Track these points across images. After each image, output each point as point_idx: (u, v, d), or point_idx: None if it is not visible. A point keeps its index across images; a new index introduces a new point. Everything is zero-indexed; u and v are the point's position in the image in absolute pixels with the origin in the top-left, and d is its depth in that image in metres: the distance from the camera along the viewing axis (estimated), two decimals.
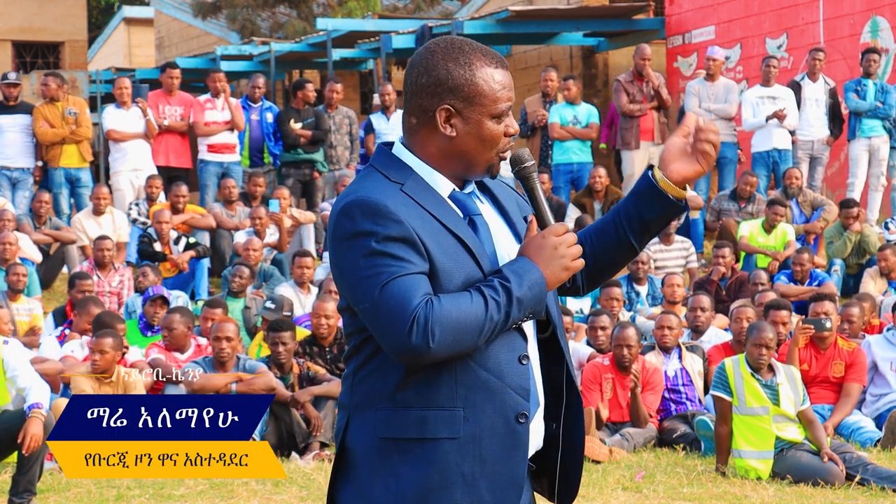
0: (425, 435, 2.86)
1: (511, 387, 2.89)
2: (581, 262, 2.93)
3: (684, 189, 3.09)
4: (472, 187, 3.04)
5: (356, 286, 2.86)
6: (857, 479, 8.12)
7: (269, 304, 11.12)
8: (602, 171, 14.27)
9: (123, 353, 9.26)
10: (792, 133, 14.41)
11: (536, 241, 2.92)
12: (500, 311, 2.83)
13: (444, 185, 2.98)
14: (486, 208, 3.04)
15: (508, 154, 3.00)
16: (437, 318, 2.79)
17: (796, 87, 14.59)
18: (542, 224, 2.99)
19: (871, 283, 12.25)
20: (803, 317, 10.22)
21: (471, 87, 2.95)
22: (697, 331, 10.78)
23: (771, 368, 8.45)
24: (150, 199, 13.83)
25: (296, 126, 14.78)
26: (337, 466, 2.97)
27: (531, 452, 2.97)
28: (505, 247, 3.01)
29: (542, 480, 3.06)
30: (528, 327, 2.97)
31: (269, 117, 15.06)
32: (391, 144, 3.03)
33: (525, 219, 3.08)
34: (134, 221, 13.68)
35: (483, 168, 2.99)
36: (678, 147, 3.10)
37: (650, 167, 3.14)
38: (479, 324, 2.81)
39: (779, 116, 14.13)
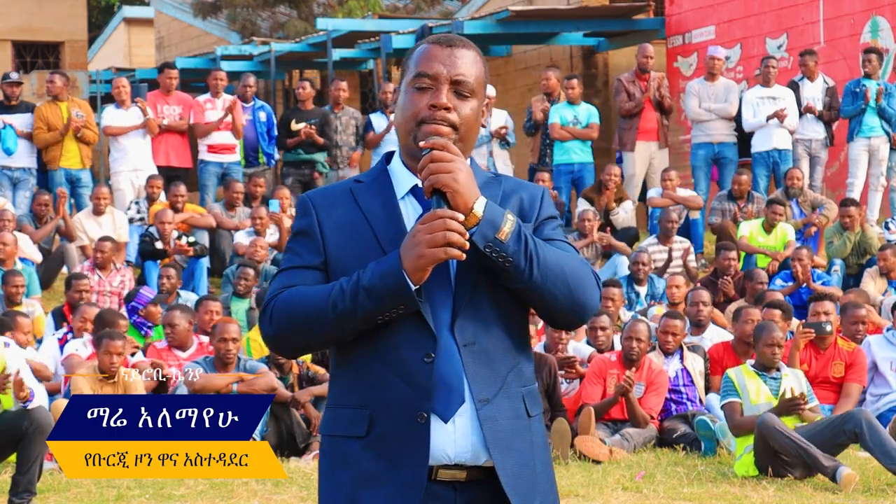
0: (340, 433, 2.93)
1: (413, 386, 2.87)
2: (441, 251, 2.78)
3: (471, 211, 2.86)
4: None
5: None
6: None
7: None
8: (616, 169, 14.22)
9: (134, 353, 9.28)
10: (792, 133, 14.40)
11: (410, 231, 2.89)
12: (345, 300, 2.84)
13: (407, 182, 3.00)
14: None
15: (429, 127, 2.92)
16: (279, 306, 2.90)
17: (795, 88, 14.58)
18: None
19: (872, 283, 12.25)
20: (804, 321, 10.23)
21: (405, 64, 3.04)
22: (699, 325, 10.78)
23: (777, 368, 8.65)
24: (151, 200, 13.84)
25: (298, 126, 14.77)
26: None
27: (463, 457, 2.89)
28: None
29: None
30: (460, 329, 2.88)
31: (263, 116, 15.05)
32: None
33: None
34: (132, 220, 13.69)
35: (410, 140, 2.97)
36: None
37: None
38: (318, 312, 2.86)
39: (779, 116, 14.12)
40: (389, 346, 2.89)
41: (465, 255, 2.82)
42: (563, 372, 9.84)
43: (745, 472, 8.39)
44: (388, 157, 3.07)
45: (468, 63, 2.98)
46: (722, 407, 8.80)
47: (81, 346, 9.82)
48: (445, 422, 2.87)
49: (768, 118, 14.17)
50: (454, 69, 2.96)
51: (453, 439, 2.88)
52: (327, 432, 2.96)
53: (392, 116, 15.10)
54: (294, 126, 14.81)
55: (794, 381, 8.67)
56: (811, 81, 14.57)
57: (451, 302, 2.90)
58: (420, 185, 2.93)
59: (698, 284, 11.79)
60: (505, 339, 2.96)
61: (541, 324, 10.51)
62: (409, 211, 2.98)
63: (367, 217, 2.95)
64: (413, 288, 2.82)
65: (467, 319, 2.91)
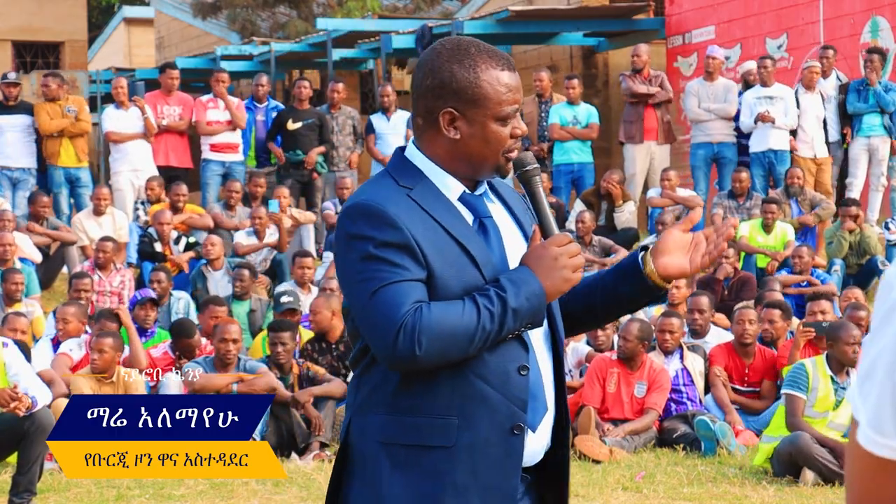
0: (419, 442, 2.85)
1: (508, 398, 2.86)
2: (580, 275, 2.92)
3: (668, 282, 3.11)
4: (483, 188, 3.02)
5: (351, 289, 2.88)
6: None
7: (284, 299, 11.07)
8: (617, 175, 14.17)
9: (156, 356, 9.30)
10: (793, 133, 14.36)
11: (538, 251, 2.89)
12: (493, 322, 2.80)
13: (454, 188, 2.96)
14: (496, 209, 3.03)
15: (515, 154, 2.98)
16: (425, 326, 2.77)
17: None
18: (546, 232, 2.96)
19: None
20: (804, 320, 10.22)
21: (475, 90, 2.93)
22: (696, 333, 10.73)
23: (848, 373, 8.52)
24: (150, 201, 13.85)
25: (294, 126, 14.77)
26: (340, 467, 2.96)
27: (535, 460, 2.95)
28: (515, 249, 2.99)
29: (544, 493, 3.03)
30: (536, 337, 2.95)
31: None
32: (405, 148, 3.03)
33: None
34: (137, 219, 13.72)
35: (490, 169, 2.97)
36: (677, 242, 3.17)
37: (643, 248, 3.14)
38: (469, 333, 2.79)
39: (764, 119, 14.07)
40: (483, 357, 2.86)
41: None
42: None
43: (761, 463, 8.41)
44: (403, 156, 3.01)
45: None
46: (784, 395, 8.55)
47: (76, 347, 9.80)
48: (534, 431, 2.91)
49: (755, 120, 14.14)
50: (519, 94, 3.02)
51: (533, 447, 2.92)
52: (392, 441, 2.86)
53: (393, 117, 15.09)
54: (290, 126, 14.79)
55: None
56: (824, 78, 14.54)
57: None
58: (467, 192, 2.97)
59: (697, 283, 11.76)
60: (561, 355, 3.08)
61: None
62: (468, 220, 2.97)
63: (444, 227, 2.89)
64: None
65: (556, 333, 3.01)
